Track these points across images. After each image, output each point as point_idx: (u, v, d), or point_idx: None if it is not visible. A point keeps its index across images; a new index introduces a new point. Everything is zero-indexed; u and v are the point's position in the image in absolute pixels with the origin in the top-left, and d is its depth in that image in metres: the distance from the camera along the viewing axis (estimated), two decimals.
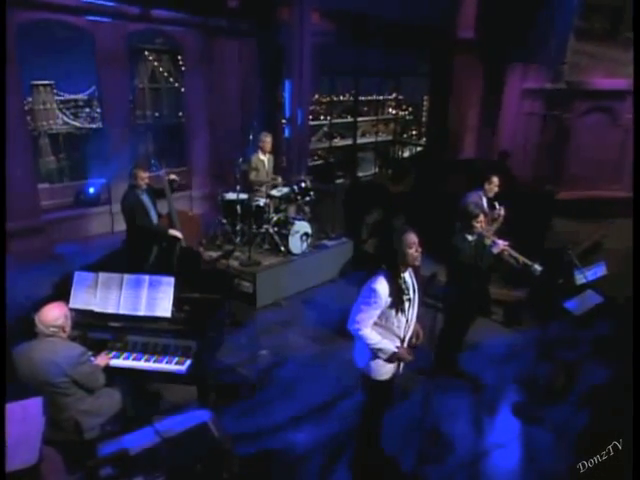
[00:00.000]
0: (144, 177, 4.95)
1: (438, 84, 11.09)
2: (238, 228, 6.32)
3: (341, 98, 13.74)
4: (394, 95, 14.36)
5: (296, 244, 6.22)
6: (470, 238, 4.13)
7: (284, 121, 8.90)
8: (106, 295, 3.52)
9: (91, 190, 8.03)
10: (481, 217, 4.12)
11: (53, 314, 2.92)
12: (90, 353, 3.15)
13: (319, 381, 4.49)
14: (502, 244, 4.12)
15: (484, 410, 4.20)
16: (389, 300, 2.88)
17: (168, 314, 3.48)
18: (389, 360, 2.98)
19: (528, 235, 6.36)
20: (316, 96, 12.48)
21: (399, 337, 3.03)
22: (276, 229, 6.22)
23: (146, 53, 10.07)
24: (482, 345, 5.17)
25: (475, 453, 3.72)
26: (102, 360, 3.26)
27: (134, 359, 3.35)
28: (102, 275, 3.55)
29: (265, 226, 6.25)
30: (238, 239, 6.30)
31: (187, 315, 3.57)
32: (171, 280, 3.52)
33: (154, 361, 3.34)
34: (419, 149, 13.84)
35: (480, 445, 3.81)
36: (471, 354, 4.90)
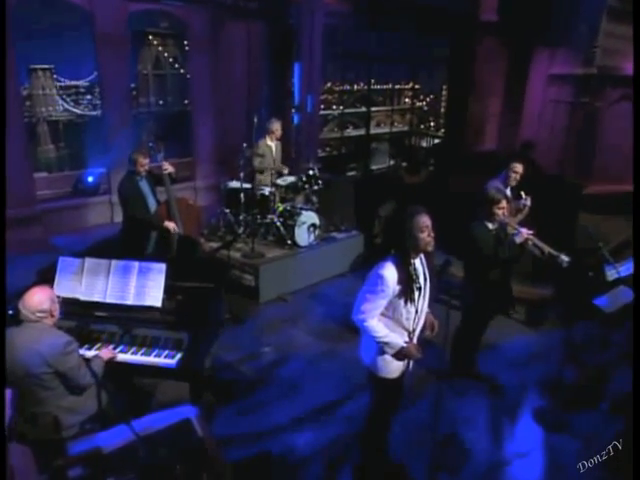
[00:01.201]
0: (144, 163, 4.88)
1: (458, 71, 10.82)
2: (241, 218, 6.17)
3: (355, 87, 13.56)
4: (411, 85, 14.14)
5: (303, 236, 6.05)
6: (491, 227, 3.91)
7: (293, 109, 8.73)
8: (92, 282, 3.39)
9: (90, 179, 7.97)
10: (503, 203, 3.89)
11: (38, 298, 2.78)
12: (77, 344, 3.01)
13: (324, 380, 4.33)
14: (526, 232, 3.89)
15: (503, 415, 3.99)
16: (397, 288, 2.70)
17: (158, 304, 3.34)
18: (396, 356, 2.80)
19: (553, 230, 6.17)
20: (328, 84, 12.32)
21: (408, 330, 2.84)
22: (281, 219, 6.05)
23: (150, 37, 9.99)
24: (502, 346, 4.97)
25: (493, 462, 3.51)
26: (106, 354, 3.11)
27: (120, 351, 3.21)
28: (88, 261, 3.42)
29: (270, 216, 6.10)
30: (241, 229, 6.15)
31: (179, 305, 3.42)
32: (162, 267, 3.37)
33: (142, 354, 3.20)
34: (437, 141, 13.61)
35: (499, 454, 3.60)
36: (490, 355, 4.71)
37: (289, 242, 6.01)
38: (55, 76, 9.34)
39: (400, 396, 3.10)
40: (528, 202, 4.88)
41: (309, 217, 6.09)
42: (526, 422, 3.95)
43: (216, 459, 2.35)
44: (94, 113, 9.75)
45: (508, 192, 4.89)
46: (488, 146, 11.29)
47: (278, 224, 6.04)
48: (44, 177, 8.16)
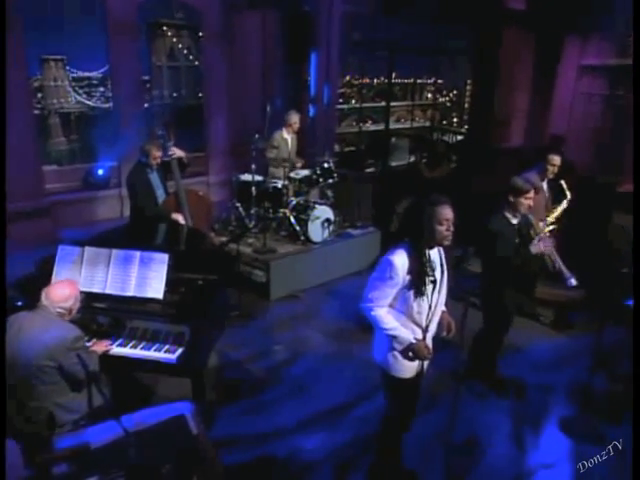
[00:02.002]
0: (157, 156, 4.85)
1: (482, 63, 10.59)
2: (253, 212, 6.09)
3: (375, 81, 13.45)
4: (433, 79, 13.96)
5: (316, 231, 5.94)
6: (514, 221, 3.75)
7: (309, 101, 8.64)
8: (92, 273, 3.33)
9: (100, 172, 7.99)
10: (531, 194, 3.71)
11: (63, 293, 2.76)
12: (87, 338, 2.96)
13: (335, 381, 4.21)
14: (543, 246, 3.68)
15: (527, 422, 3.81)
16: (407, 278, 2.57)
17: (160, 295, 3.27)
18: (404, 354, 2.67)
19: (586, 230, 5.96)
20: (347, 78, 12.22)
21: (420, 326, 2.70)
22: (294, 214, 5.95)
23: (164, 28, 10.08)
24: (527, 350, 4.79)
25: (515, 473, 3.34)
26: (99, 347, 3.05)
27: (119, 345, 3.14)
28: (88, 250, 3.37)
29: (282, 210, 6.00)
30: (252, 224, 6.07)
31: (182, 298, 3.34)
32: (164, 257, 3.30)
33: (141, 348, 3.13)
34: (460, 137, 13.40)
35: (521, 464, 3.43)
36: (515, 359, 4.55)
37: (302, 237, 5.91)
38: (67, 67, 9.43)
39: (415, 398, 2.95)
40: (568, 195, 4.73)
41: (323, 212, 5.98)
42: (552, 431, 3.77)
43: (210, 460, 2.25)
44: (106, 105, 9.89)
45: (545, 185, 4.77)
46: (514, 142, 11.05)
47: (291, 218, 5.94)
48: (54, 170, 8.23)
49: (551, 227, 4.87)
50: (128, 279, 3.29)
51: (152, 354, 3.08)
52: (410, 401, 2.92)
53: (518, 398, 4.07)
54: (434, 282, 2.65)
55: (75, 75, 9.13)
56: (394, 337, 2.66)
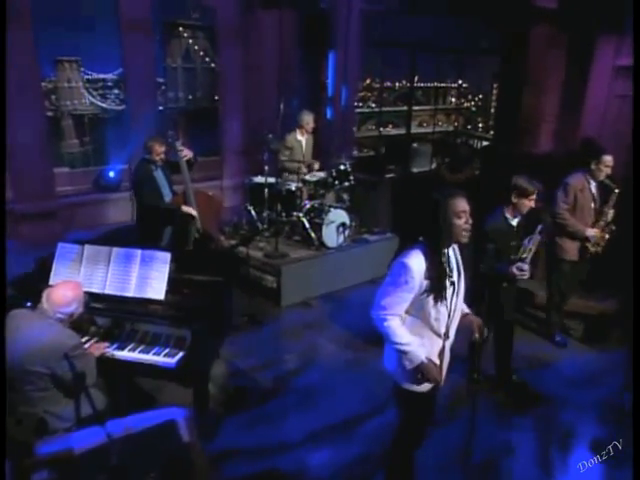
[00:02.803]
0: (160, 152, 4.85)
1: (510, 64, 10.42)
2: (265, 215, 6.03)
3: (397, 85, 13.36)
4: (457, 83, 13.83)
5: (331, 236, 5.84)
6: (513, 222, 3.63)
7: (327, 102, 8.59)
8: (91, 272, 3.29)
9: (111, 174, 8.03)
10: (534, 196, 3.62)
11: (66, 297, 2.68)
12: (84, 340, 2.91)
13: (346, 393, 4.08)
14: (516, 271, 3.50)
15: (554, 443, 3.63)
16: (425, 283, 2.43)
17: (161, 297, 3.20)
18: (413, 373, 2.53)
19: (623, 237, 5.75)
20: (367, 81, 12.17)
21: (438, 334, 2.57)
22: (308, 217, 5.87)
23: (180, 29, 10.13)
24: (555, 365, 4.62)
25: None
26: (97, 349, 2.99)
27: (117, 348, 3.07)
28: (88, 248, 3.33)
29: (296, 214, 5.92)
30: (264, 227, 6.01)
31: (185, 300, 3.27)
32: (167, 256, 3.24)
33: (140, 351, 3.06)
34: (485, 143, 13.21)
35: None
36: (542, 374, 4.40)
37: (316, 242, 5.82)
38: (82, 69, 9.56)
39: (429, 413, 2.81)
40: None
41: (338, 216, 5.89)
42: (580, 452, 3.58)
43: (201, 470, 2.15)
44: (121, 108, 9.91)
45: (594, 188, 4.64)
46: (543, 147, 10.82)
47: (304, 222, 5.86)
48: (66, 172, 8.28)
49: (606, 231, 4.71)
50: (128, 279, 3.24)
51: (150, 358, 3.01)
52: (424, 416, 2.77)
53: (544, 415, 3.89)
54: (453, 284, 2.52)
55: (90, 77, 9.25)
56: (404, 353, 2.51)
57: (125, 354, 3.04)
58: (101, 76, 9.92)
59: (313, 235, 5.82)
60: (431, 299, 2.45)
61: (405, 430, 2.82)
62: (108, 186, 8.05)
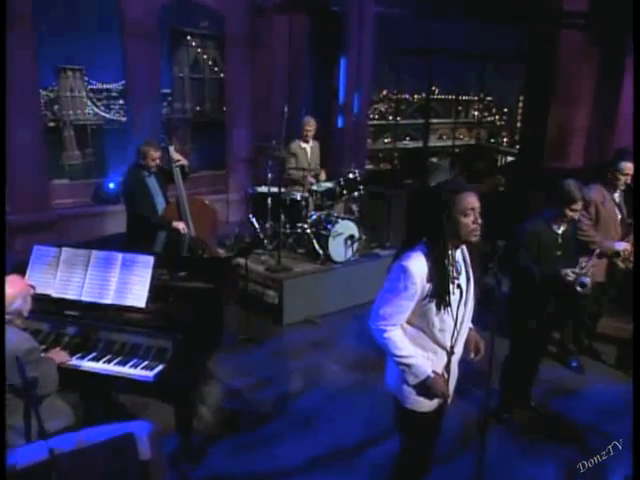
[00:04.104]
0: (155, 157, 4.84)
1: (536, 74, 10.28)
2: (267, 226, 5.92)
3: (415, 97, 13.32)
4: (480, 96, 13.74)
5: (338, 249, 5.70)
6: (558, 230, 3.43)
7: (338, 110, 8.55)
8: (68, 277, 3.19)
9: (111, 186, 8.05)
10: (579, 204, 3.41)
11: (7, 295, 2.53)
12: (41, 350, 2.79)
13: (348, 417, 3.89)
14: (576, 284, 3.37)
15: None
16: (428, 287, 2.25)
17: (142, 304, 3.08)
18: (418, 388, 2.35)
19: None
20: (384, 92, 12.16)
21: (443, 346, 2.38)
22: (314, 229, 5.74)
23: (189, 38, 10.24)
24: (585, 393, 4.36)
25: None
26: (58, 356, 2.86)
27: (91, 359, 2.94)
28: (66, 251, 3.24)
29: (300, 225, 5.80)
30: (265, 237, 5.90)
31: (168, 308, 3.15)
32: (149, 260, 3.13)
33: (116, 363, 2.92)
34: (511, 158, 13.04)
35: None
36: (569, 403, 4.16)
37: (322, 256, 5.68)
38: (86, 78, 9.69)
39: (434, 436, 2.60)
40: None
41: (347, 227, 5.75)
42: None
43: None
44: (125, 118, 9.99)
45: (617, 197, 4.44)
46: (573, 163, 10.61)
47: (309, 233, 5.73)
48: (65, 185, 8.32)
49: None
50: (107, 284, 3.13)
51: (126, 370, 2.87)
52: (428, 440, 2.57)
53: (569, 447, 3.64)
54: (461, 291, 2.34)
55: (94, 87, 9.38)
56: (407, 367, 2.33)
57: (99, 366, 2.90)
58: (105, 86, 10.04)
59: (319, 248, 5.68)
60: (434, 306, 2.28)
61: (408, 456, 2.61)
62: (107, 198, 8.05)
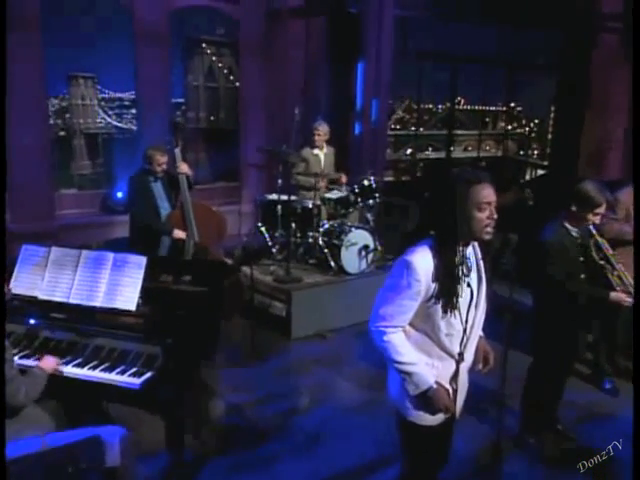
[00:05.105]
0: (162, 162, 4.87)
1: (569, 82, 10.07)
2: (277, 235, 5.85)
3: (439, 107, 13.24)
4: (508, 106, 13.59)
5: (352, 260, 5.59)
6: (575, 233, 3.28)
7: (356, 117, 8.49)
8: (56, 278, 3.13)
9: (119, 195, 8.08)
10: (600, 209, 3.24)
11: None
12: (14, 351, 2.73)
13: (355, 437, 3.75)
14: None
15: None
16: (434, 286, 2.12)
17: (132, 307, 3.00)
18: (419, 399, 2.21)
19: None
20: (406, 102, 12.12)
21: (451, 354, 2.24)
22: (325, 238, 5.65)
23: (204, 45, 10.31)
24: (615, 417, 4.12)
25: None
26: (48, 364, 2.78)
27: (76, 365, 2.86)
28: (55, 250, 3.20)
29: (312, 234, 5.71)
30: (275, 247, 5.83)
31: (160, 311, 3.07)
32: (142, 260, 3.06)
33: (102, 369, 2.83)
34: (541, 172, 12.83)
35: None
36: (598, 428, 3.95)
37: (334, 267, 5.57)
38: (98, 87, 9.81)
39: (440, 454, 2.45)
40: None
41: (361, 237, 5.64)
42: None
43: None
44: (136, 127, 10.07)
45: None
46: (609, 176, 10.37)
47: (321, 243, 5.63)
48: (73, 194, 8.38)
49: None
50: (96, 286, 3.07)
51: (112, 377, 2.78)
52: (433, 457, 2.41)
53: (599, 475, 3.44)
54: (471, 291, 2.21)
55: (106, 95, 9.49)
56: (408, 375, 2.20)
57: (84, 372, 2.82)
58: (118, 95, 10.16)
59: (330, 258, 5.58)
60: (439, 308, 2.14)
61: (411, 477, 2.46)
62: (116, 208, 8.08)
